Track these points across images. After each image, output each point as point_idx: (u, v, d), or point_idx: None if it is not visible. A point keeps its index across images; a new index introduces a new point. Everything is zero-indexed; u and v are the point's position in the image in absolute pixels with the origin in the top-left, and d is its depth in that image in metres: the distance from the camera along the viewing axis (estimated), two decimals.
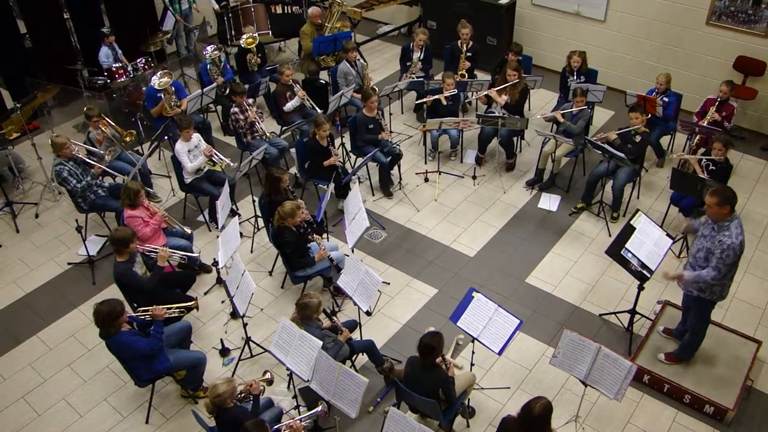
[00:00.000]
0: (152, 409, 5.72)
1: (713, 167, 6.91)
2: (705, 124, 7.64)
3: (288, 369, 5.19)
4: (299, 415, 5.19)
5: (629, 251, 5.82)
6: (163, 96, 8.26)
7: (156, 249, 6.03)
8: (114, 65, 9.16)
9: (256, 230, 7.55)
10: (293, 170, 8.33)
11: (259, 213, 7.34)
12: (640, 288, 5.95)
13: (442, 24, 10.94)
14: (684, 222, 5.66)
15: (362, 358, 5.99)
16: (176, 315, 5.77)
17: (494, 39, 10.52)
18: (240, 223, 7.12)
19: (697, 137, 7.80)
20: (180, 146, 7.33)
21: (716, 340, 6.06)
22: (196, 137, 7.47)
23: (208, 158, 7.41)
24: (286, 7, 10.79)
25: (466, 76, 9.07)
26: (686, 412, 5.65)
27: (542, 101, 9.89)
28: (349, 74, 8.92)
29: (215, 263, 6.30)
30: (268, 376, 5.18)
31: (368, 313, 6.52)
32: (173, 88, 8.37)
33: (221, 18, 10.62)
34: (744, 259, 5.23)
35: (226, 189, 6.89)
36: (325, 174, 7.48)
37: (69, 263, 7.34)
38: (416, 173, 8.54)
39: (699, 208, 6.87)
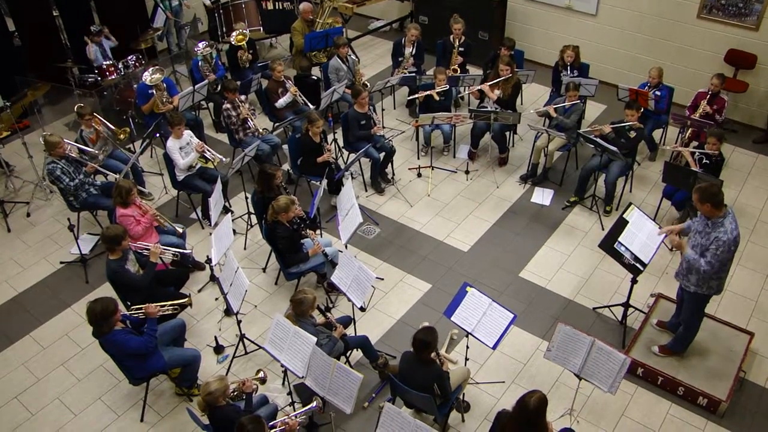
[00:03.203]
0: (147, 408, 5.71)
1: (706, 161, 6.93)
2: (697, 118, 7.67)
3: (282, 366, 5.18)
4: (294, 411, 5.19)
5: (622, 245, 5.84)
6: (154, 92, 8.23)
7: (148, 246, 6.02)
8: (104, 63, 9.12)
9: (249, 227, 7.54)
10: (286, 167, 8.31)
11: (252, 210, 7.32)
12: (634, 281, 5.97)
13: (434, 19, 10.93)
14: (675, 225, 5.65)
15: (357, 354, 5.99)
16: (170, 313, 5.75)
17: (486, 34, 10.52)
18: (233, 220, 7.10)
19: (689, 130, 7.83)
20: (171, 143, 7.30)
21: (709, 332, 6.08)
22: (188, 134, 7.44)
23: (200, 154, 7.38)
24: (277, 4, 10.77)
25: (459, 71, 9.07)
26: (680, 404, 5.67)
27: (534, 95, 9.89)
28: (340, 70, 8.91)
29: (208, 260, 6.29)
30: (261, 374, 5.17)
31: (362, 309, 6.51)
32: (164, 85, 8.34)
33: (212, 14, 10.58)
34: (737, 252, 5.24)
35: (218, 186, 6.87)
36: (318, 170, 7.47)
37: (61, 262, 7.31)
38: (409, 168, 8.53)
39: (691, 201, 6.88)
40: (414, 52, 9.31)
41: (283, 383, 5.81)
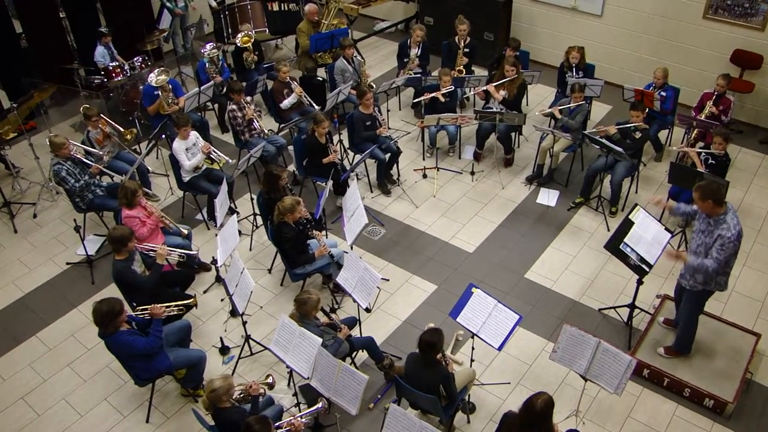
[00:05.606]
0: (152, 408, 5.72)
1: (712, 161, 6.91)
2: (702, 118, 7.64)
3: (288, 367, 5.19)
4: (300, 412, 5.19)
5: (628, 246, 5.83)
6: (160, 93, 8.25)
7: (155, 247, 6.03)
8: (111, 64, 9.15)
9: (254, 228, 7.55)
10: (291, 168, 8.32)
11: (257, 211, 7.33)
12: (639, 282, 5.96)
13: (439, 20, 10.93)
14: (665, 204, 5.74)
15: (362, 355, 6.00)
16: (175, 313, 5.76)
17: (491, 35, 10.52)
18: (239, 221, 7.11)
19: (695, 131, 7.81)
20: (177, 144, 7.32)
21: (715, 333, 6.06)
22: (194, 135, 7.46)
23: (206, 156, 7.40)
24: (282, 5, 10.78)
25: (464, 72, 9.06)
26: (686, 405, 5.66)
27: (540, 96, 9.88)
28: (346, 71, 8.91)
29: (214, 261, 6.30)
30: (270, 379, 5.15)
31: (368, 310, 6.53)
32: (170, 86, 8.36)
33: (218, 16, 10.60)
34: (743, 252, 5.25)
35: (224, 187, 6.88)
36: (323, 171, 7.47)
37: (68, 263, 7.33)
38: (414, 169, 8.53)
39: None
40: (419, 53, 9.31)
41: (289, 384, 5.82)
